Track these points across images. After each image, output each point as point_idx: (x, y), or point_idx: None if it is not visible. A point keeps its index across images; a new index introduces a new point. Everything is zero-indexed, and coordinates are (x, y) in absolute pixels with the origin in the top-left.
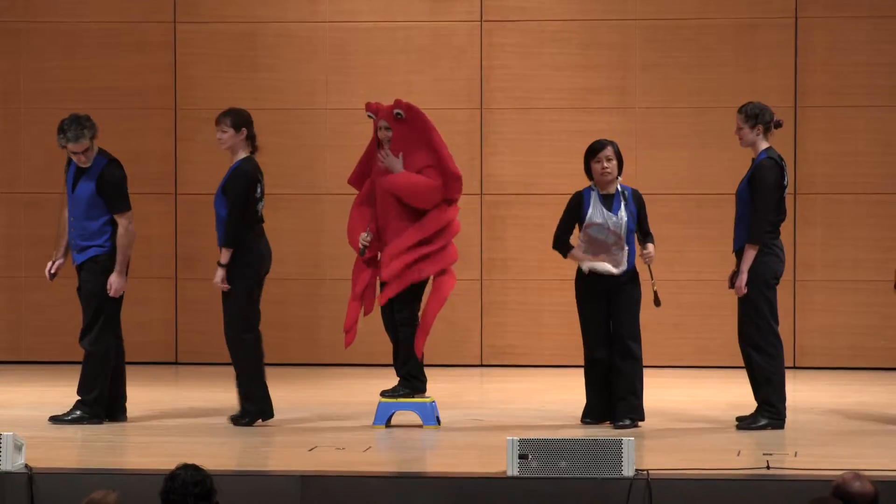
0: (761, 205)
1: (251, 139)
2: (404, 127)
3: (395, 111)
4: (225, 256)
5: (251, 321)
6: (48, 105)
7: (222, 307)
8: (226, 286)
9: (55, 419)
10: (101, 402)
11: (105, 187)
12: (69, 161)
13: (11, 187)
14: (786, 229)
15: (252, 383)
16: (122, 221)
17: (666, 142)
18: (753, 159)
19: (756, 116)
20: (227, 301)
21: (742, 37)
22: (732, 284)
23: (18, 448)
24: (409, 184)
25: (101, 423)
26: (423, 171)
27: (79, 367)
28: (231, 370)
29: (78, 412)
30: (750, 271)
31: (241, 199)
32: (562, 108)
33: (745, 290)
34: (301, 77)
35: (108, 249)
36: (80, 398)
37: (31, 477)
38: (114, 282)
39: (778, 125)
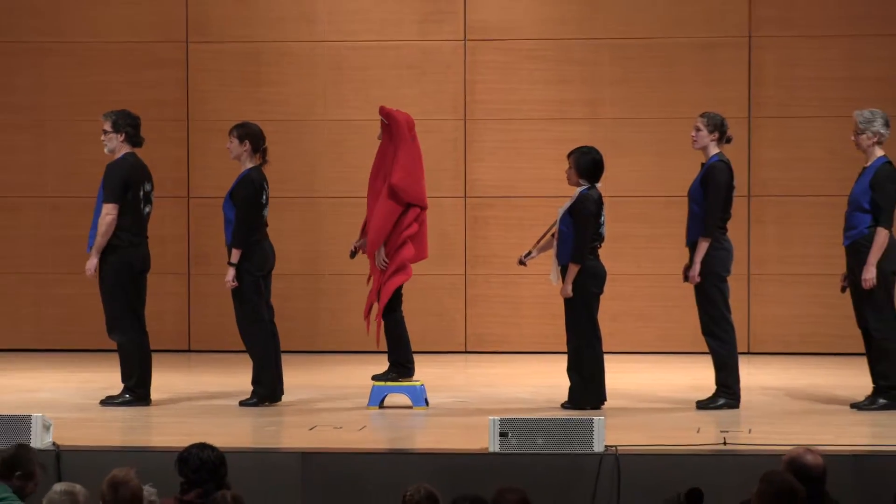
0: (713, 202)
1: (261, 152)
2: (387, 133)
3: (380, 117)
4: (235, 256)
5: (260, 314)
6: (71, 117)
7: (233, 304)
8: (235, 284)
9: (106, 402)
10: (143, 385)
11: (105, 176)
12: None
13: (38, 192)
14: (741, 228)
15: (262, 370)
16: (106, 209)
17: (633, 149)
18: (703, 163)
19: (716, 125)
20: (237, 297)
21: (701, 54)
22: (686, 277)
23: (47, 428)
24: (374, 229)
25: (147, 405)
26: (386, 179)
27: (99, 355)
28: (239, 357)
29: (127, 395)
30: (704, 266)
31: (248, 205)
32: (538, 118)
33: (698, 279)
34: (301, 91)
35: (112, 242)
36: (124, 384)
37: (58, 454)
38: (88, 262)
39: (729, 140)
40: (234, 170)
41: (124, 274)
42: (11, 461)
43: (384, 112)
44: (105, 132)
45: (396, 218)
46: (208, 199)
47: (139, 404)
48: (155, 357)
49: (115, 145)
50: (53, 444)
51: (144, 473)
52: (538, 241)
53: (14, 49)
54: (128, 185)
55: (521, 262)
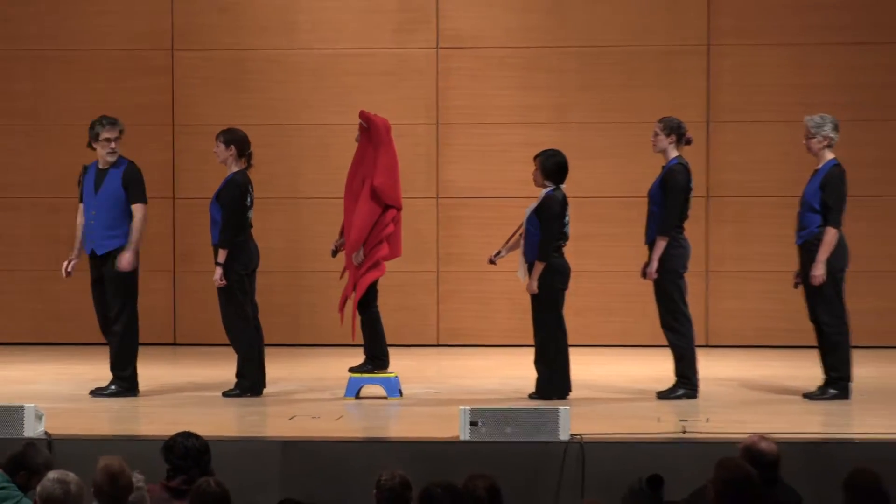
0: (671, 203)
1: (246, 156)
2: (366, 136)
3: (359, 121)
4: (222, 256)
5: (245, 311)
6: (67, 122)
7: (219, 300)
8: (223, 282)
9: (95, 393)
10: (135, 376)
11: (129, 180)
12: (83, 172)
13: (35, 193)
14: (700, 227)
15: (246, 364)
16: (141, 210)
17: (597, 152)
18: (663, 166)
19: (672, 128)
20: (224, 295)
21: (662, 62)
22: (644, 274)
23: (39, 418)
24: (356, 229)
25: (135, 395)
26: (364, 180)
27: (91, 348)
28: (223, 350)
29: (114, 387)
30: (662, 263)
31: (233, 207)
32: (508, 123)
33: (656, 276)
34: (283, 97)
35: (127, 241)
36: (116, 375)
37: (50, 443)
38: (125, 257)
39: (688, 142)
40: (218, 171)
41: (136, 269)
42: (20, 459)
43: (364, 116)
44: (116, 139)
45: (376, 219)
46: (193, 200)
47: (127, 395)
48: (142, 350)
49: (119, 151)
50: (45, 433)
51: (132, 461)
52: (507, 241)
53: (14, 56)
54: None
55: (492, 262)
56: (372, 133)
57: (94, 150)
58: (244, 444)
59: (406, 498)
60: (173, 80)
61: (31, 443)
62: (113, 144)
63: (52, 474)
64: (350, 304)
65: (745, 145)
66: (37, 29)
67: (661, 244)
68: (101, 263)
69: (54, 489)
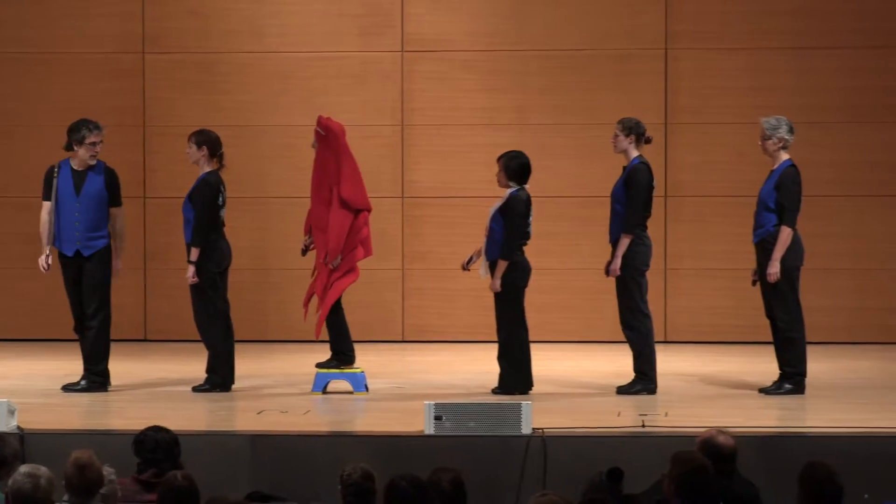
0: (635, 201)
1: (218, 157)
2: (324, 143)
3: (316, 128)
4: (194, 255)
5: (217, 308)
6: (40, 122)
7: (191, 298)
8: (196, 280)
9: (67, 388)
10: (107, 371)
11: (112, 183)
12: (56, 172)
13: (6, 192)
14: (658, 226)
15: (217, 360)
16: (122, 212)
17: (558, 153)
18: (625, 167)
19: (630, 128)
20: (196, 292)
21: (621, 65)
22: (608, 271)
23: (11, 412)
24: (334, 238)
25: (106, 391)
26: (332, 188)
27: (64, 345)
28: (193, 346)
29: (85, 382)
30: (625, 260)
31: (205, 207)
32: (471, 124)
33: (618, 273)
34: (251, 99)
35: (108, 240)
36: (88, 370)
37: (22, 437)
38: (120, 267)
39: (648, 140)
40: (188, 171)
41: (111, 268)
42: None
43: (323, 124)
44: (100, 143)
45: (350, 224)
46: (163, 199)
47: (99, 390)
48: (113, 346)
49: None
50: (18, 427)
51: (103, 455)
52: (479, 248)
53: None
54: None
55: (464, 268)
56: (330, 139)
57: (74, 151)
58: (213, 437)
59: (370, 489)
60: (144, 82)
61: None
62: (98, 148)
63: (22, 468)
64: (315, 301)
65: (702, 146)
66: (10, 32)
67: (624, 242)
68: (81, 263)
69: (24, 483)
